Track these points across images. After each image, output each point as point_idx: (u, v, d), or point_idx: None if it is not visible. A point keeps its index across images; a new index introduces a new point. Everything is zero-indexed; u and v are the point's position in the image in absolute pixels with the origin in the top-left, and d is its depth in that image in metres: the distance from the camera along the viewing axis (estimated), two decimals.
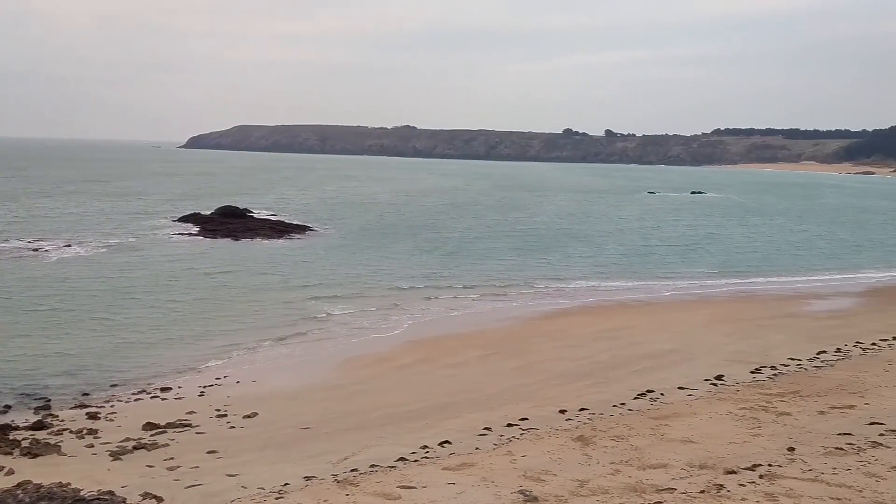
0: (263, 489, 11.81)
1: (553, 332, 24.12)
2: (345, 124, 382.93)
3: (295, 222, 54.10)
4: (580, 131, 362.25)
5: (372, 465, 12.80)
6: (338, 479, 12.11)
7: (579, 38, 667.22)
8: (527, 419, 15.31)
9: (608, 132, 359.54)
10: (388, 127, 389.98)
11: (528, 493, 10.86)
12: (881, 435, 13.31)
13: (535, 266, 38.21)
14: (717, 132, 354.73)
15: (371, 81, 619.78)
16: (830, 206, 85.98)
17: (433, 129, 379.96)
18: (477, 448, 13.60)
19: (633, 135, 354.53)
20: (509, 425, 14.99)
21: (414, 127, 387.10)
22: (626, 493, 10.78)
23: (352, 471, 12.58)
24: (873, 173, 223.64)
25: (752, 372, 18.45)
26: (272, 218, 55.85)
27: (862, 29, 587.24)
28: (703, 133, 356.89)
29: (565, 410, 15.81)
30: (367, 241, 46.16)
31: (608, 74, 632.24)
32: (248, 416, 16.20)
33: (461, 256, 40.67)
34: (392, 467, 12.66)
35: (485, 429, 14.83)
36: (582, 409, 15.84)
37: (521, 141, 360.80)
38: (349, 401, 17.30)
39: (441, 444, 13.99)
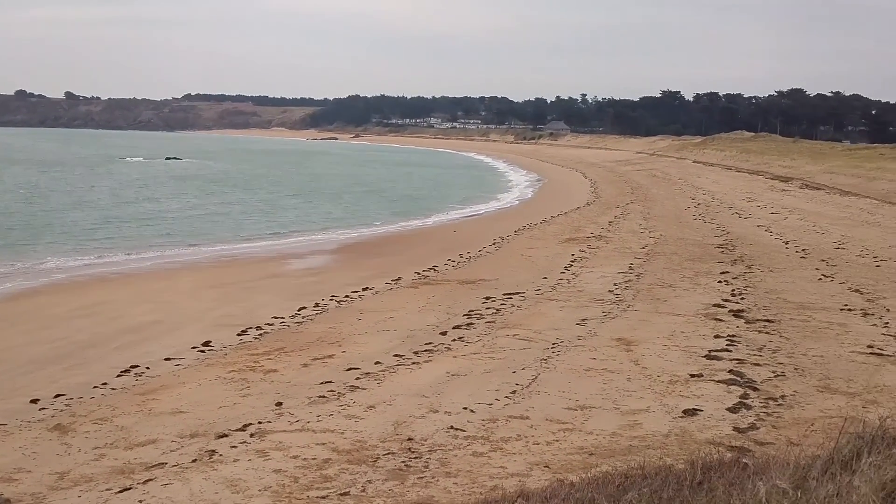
0: None
1: (17, 316, 21.41)
2: None
3: None
4: (36, 93, 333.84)
5: None
6: None
7: None
8: None
9: (69, 94, 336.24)
10: None
11: None
12: (357, 378, 14.49)
13: None
14: (188, 97, 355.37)
15: None
16: (307, 175, 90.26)
17: None
18: None
19: (99, 98, 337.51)
20: None
21: None
22: (113, 477, 10.11)
23: None
24: (337, 139, 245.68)
25: (238, 334, 18.61)
26: None
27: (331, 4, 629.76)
28: (174, 98, 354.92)
29: (38, 400, 14.15)
30: None
31: (69, 31, 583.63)
32: None
33: None
34: None
35: None
36: (58, 396, 14.34)
37: None
38: None
39: None
